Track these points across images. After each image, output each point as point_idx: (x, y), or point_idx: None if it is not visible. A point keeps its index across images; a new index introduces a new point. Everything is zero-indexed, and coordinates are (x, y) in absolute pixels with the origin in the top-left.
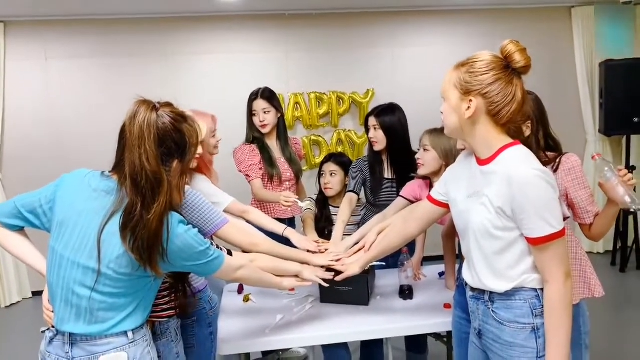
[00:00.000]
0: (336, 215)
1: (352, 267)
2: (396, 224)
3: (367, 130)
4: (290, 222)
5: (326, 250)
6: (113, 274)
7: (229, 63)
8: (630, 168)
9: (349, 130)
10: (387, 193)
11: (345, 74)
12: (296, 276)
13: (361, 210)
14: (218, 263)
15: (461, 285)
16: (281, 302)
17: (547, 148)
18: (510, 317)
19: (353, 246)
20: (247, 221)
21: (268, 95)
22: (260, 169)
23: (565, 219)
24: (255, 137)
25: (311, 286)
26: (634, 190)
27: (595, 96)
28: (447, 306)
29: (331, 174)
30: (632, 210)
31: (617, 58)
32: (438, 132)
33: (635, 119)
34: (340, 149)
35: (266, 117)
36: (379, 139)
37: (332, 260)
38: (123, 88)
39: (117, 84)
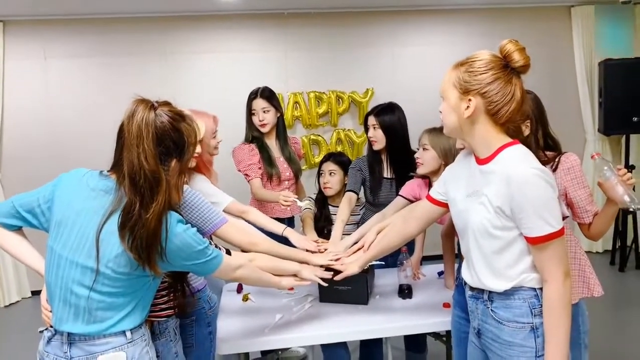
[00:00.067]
0: (335, 214)
1: (351, 266)
2: (395, 223)
3: (367, 130)
4: (289, 222)
5: (325, 249)
6: (112, 274)
7: (228, 62)
8: (630, 167)
9: (349, 130)
10: (387, 192)
11: (345, 73)
12: (295, 275)
13: (360, 210)
14: (217, 262)
15: (460, 285)
16: (280, 302)
17: (546, 147)
18: (509, 316)
19: (352, 245)
20: (247, 221)
21: (267, 94)
22: (260, 168)
23: (564, 218)
24: (254, 136)
25: (310, 285)
26: (633, 189)
27: (595, 95)
28: (446, 305)
29: (330, 174)
30: (631, 209)
31: (617, 57)
32: (437, 131)
33: (635, 118)
34: (339, 149)
35: (265, 117)
36: (378, 139)
37: (331, 260)
38: (122, 87)
39: (117, 83)
